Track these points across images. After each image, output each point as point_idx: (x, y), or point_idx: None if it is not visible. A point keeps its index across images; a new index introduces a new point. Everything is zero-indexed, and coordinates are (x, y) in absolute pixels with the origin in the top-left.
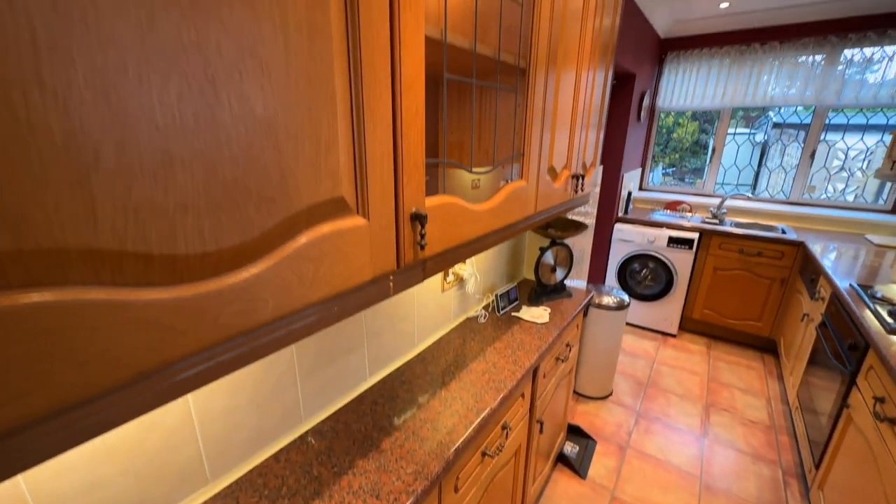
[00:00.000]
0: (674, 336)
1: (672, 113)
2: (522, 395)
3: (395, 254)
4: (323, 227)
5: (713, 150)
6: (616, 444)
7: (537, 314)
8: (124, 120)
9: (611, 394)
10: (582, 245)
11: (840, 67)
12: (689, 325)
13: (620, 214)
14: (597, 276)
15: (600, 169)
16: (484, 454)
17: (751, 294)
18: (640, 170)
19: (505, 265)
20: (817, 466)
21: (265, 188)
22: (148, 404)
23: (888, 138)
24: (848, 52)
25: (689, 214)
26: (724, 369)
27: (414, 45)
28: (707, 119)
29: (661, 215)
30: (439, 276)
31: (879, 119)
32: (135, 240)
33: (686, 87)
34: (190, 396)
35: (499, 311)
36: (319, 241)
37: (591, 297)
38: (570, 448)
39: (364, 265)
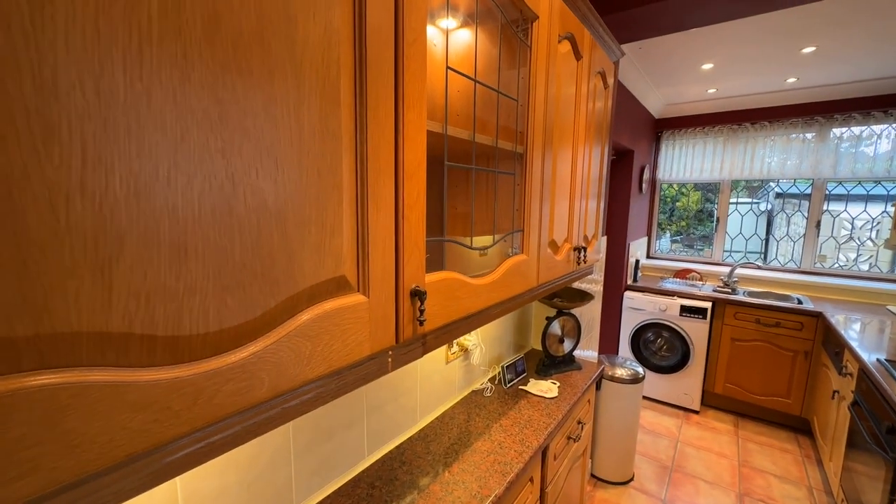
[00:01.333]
0: (696, 412)
1: (678, 187)
2: (531, 480)
3: (394, 329)
4: (324, 304)
5: (717, 219)
6: None
7: (545, 388)
8: (149, 215)
9: (632, 478)
10: (591, 315)
11: (832, 143)
12: (712, 400)
13: (629, 282)
14: (609, 346)
15: (604, 240)
16: None
17: (774, 367)
18: (646, 238)
19: (511, 335)
20: None
21: (271, 271)
22: (134, 488)
23: (892, 209)
24: (836, 131)
25: (700, 283)
26: (755, 451)
27: (416, 140)
28: (710, 189)
29: (671, 283)
30: (443, 347)
31: (880, 190)
32: (143, 322)
33: (684, 161)
34: (178, 478)
35: (505, 385)
36: (319, 319)
37: (603, 369)
38: None
39: (363, 341)
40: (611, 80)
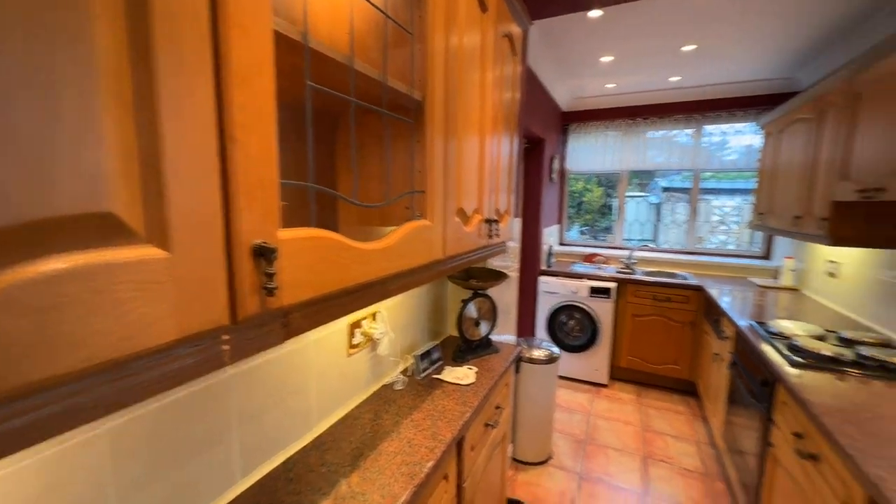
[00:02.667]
0: (605, 386)
1: (581, 179)
2: (446, 477)
3: (226, 302)
4: (69, 257)
5: (618, 208)
6: None
7: (462, 374)
8: None
9: (550, 457)
10: (508, 298)
11: (705, 139)
12: (618, 373)
13: (544, 267)
14: (526, 329)
15: (518, 222)
16: None
17: (667, 338)
18: (557, 226)
19: (426, 321)
20: None
21: None
22: None
23: (751, 198)
24: (708, 128)
25: (605, 265)
26: (654, 416)
27: (253, 29)
28: (610, 185)
29: (580, 267)
30: (343, 336)
31: (742, 184)
32: None
33: (589, 154)
34: None
35: (419, 375)
36: (56, 281)
37: (520, 351)
38: None
39: (161, 318)
40: (519, 48)
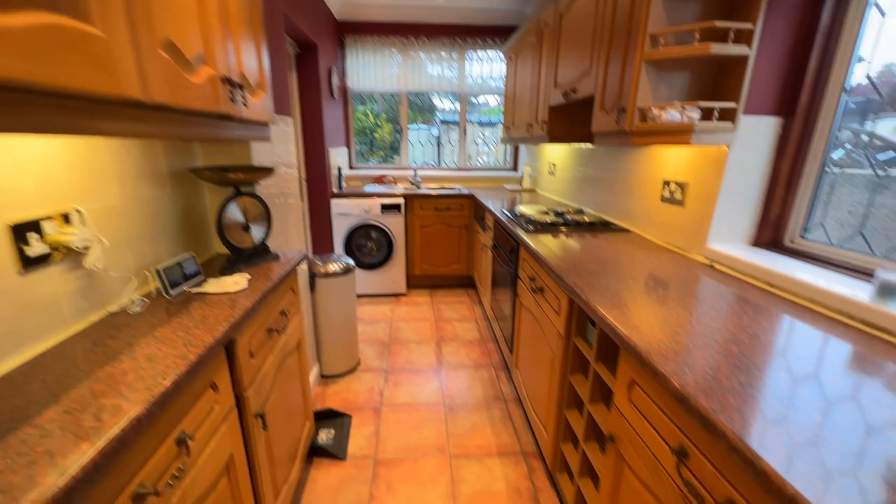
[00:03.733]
0: (404, 295)
1: (370, 112)
2: (213, 386)
3: None
4: None
5: (401, 130)
6: (371, 409)
7: (230, 283)
8: None
9: (358, 363)
10: (293, 215)
11: (468, 63)
12: (414, 282)
13: (335, 190)
14: (324, 251)
15: (286, 121)
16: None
17: (449, 242)
18: (345, 148)
19: (176, 233)
20: (511, 351)
21: None
22: None
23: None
24: (471, 53)
25: (395, 185)
26: (445, 309)
27: None
28: (398, 121)
29: (372, 188)
30: (4, 246)
31: (496, 119)
32: None
33: (370, 71)
34: None
35: (169, 293)
36: None
37: (306, 260)
38: (326, 436)
39: None
40: None
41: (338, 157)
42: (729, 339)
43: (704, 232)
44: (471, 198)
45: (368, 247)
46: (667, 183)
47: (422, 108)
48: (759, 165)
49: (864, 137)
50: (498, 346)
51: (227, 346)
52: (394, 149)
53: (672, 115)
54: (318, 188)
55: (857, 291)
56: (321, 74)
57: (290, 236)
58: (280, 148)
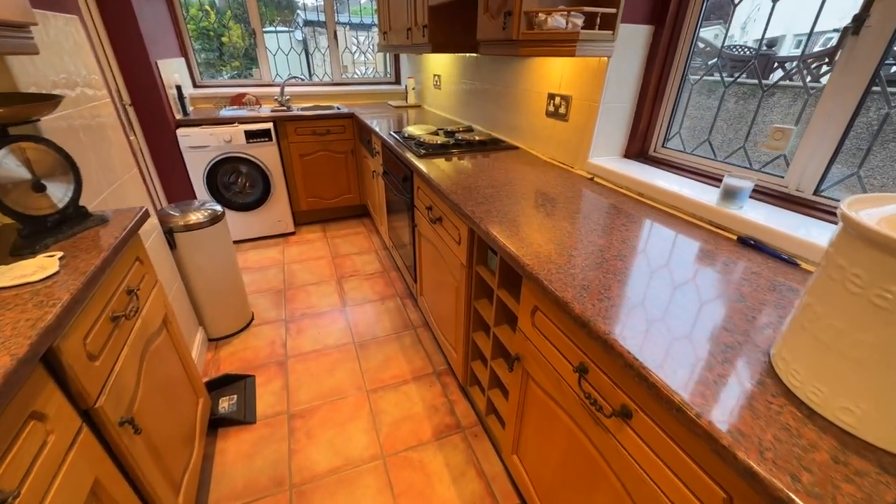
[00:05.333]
0: (293, 233)
1: (210, 9)
2: (38, 416)
3: None
4: None
5: (253, 34)
6: (275, 363)
7: (31, 269)
8: None
9: (252, 318)
10: (116, 154)
11: None
12: (302, 218)
13: (179, 117)
14: (180, 196)
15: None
16: None
17: (335, 171)
18: (182, 60)
19: None
20: (415, 280)
21: None
22: None
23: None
24: None
25: (258, 107)
26: (341, 244)
27: None
28: (249, 20)
29: (229, 111)
30: None
31: (369, 20)
32: None
33: None
34: None
35: None
36: None
37: (156, 214)
38: (227, 404)
39: None
40: None
41: (173, 71)
42: (615, 256)
43: (586, 147)
44: (352, 117)
45: (240, 183)
46: (552, 97)
47: (278, 2)
48: (633, 77)
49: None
50: (401, 275)
51: (48, 358)
52: (251, 58)
53: (558, 21)
54: (154, 116)
55: (706, 195)
56: None
57: (123, 187)
58: (65, 62)
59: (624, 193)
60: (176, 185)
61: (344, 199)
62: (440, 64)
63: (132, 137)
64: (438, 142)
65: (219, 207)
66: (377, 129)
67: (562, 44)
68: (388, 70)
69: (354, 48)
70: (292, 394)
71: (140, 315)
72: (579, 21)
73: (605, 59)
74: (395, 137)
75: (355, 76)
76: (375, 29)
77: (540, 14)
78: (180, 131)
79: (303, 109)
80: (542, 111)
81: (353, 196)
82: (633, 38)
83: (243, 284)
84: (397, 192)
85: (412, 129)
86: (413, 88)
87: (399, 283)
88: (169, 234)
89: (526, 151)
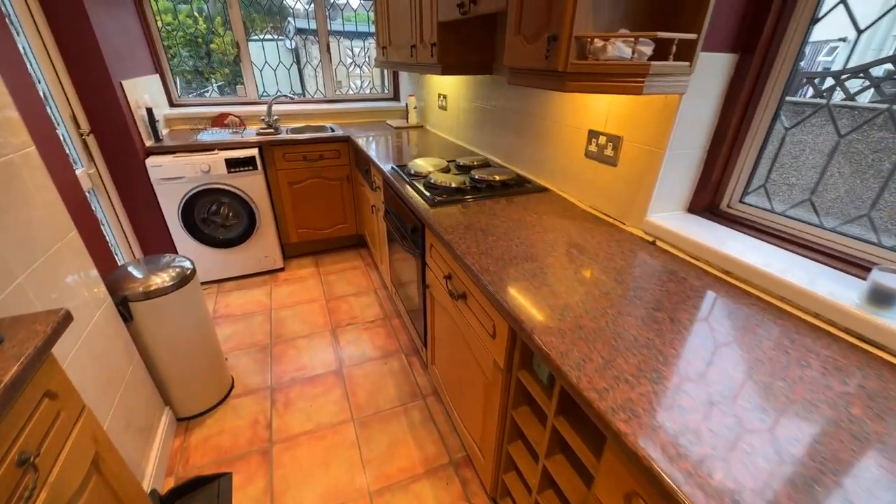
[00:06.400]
0: (282, 269)
1: (199, 15)
2: None
3: None
4: None
5: (237, 45)
6: (258, 451)
7: None
8: None
9: (231, 387)
10: (43, 221)
11: None
12: (292, 251)
13: (150, 143)
14: (155, 239)
15: None
16: None
17: (329, 199)
18: (157, 77)
19: None
20: (425, 345)
21: None
22: None
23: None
24: None
25: (243, 128)
26: (336, 282)
27: None
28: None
29: (210, 135)
30: None
31: (364, 28)
32: None
33: None
34: None
35: None
36: None
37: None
38: None
39: None
40: None
41: (143, 92)
42: (751, 408)
43: (644, 201)
44: (348, 141)
45: (222, 213)
46: (594, 135)
47: (268, 8)
48: (707, 117)
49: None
50: (403, 323)
51: None
52: (240, 66)
53: (620, 49)
54: (119, 144)
55: (842, 291)
56: None
57: (53, 261)
58: None
59: (701, 268)
60: (146, 221)
61: (338, 229)
62: (447, 83)
63: (90, 171)
64: (453, 184)
65: (188, 264)
66: (377, 159)
67: (625, 79)
68: (386, 85)
69: (349, 60)
70: (278, 496)
71: (47, 485)
72: (648, 50)
73: (677, 96)
74: (398, 173)
75: (350, 90)
76: (371, 39)
77: (596, 40)
78: (150, 160)
79: (293, 131)
80: (579, 150)
81: (349, 225)
82: (711, 70)
83: (220, 351)
84: (402, 240)
85: (420, 164)
86: (415, 107)
87: (403, 334)
88: (123, 304)
89: (558, 195)
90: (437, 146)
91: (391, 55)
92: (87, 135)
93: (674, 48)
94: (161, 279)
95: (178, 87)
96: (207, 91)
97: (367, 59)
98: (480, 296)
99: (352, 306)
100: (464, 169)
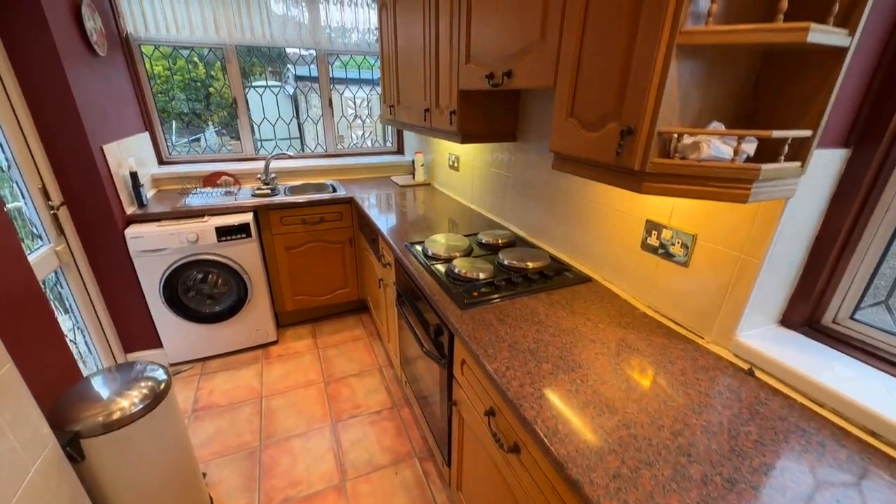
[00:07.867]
0: (276, 342)
1: (199, 62)
2: None
3: None
4: None
5: (234, 101)
6: None
7: None
8: None
9: None
10: None
11: (322, 13)
12: (286, 319)
13: (132, 210)
14: (134, 318)
15: None
16: None
17: (329, 264)
18: (147, 135)
19: None
20: (448, 463)
21: None
22: None
23: (378, 89)
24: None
25: (237, 187)
26: (335, 358)
27: None
28: (242, 72)
29: (200, 197)
30: None
31: (366, 74)
32: None
33: (163, 10)
34: None
35: None
36: None
37: (69, 426)
38: None
39: None
40: None
41: (128, 154)
42: None
43: (732, 317)
44: (350, 202)
45: (210, 282)
46: (654, 227)
47: (269, 55)
48: (812, 219)
49: None
50: (413, 414)
51: None
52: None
53: (718, 149)
54: (95, 215)
55: None
56: (56, 14)
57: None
58: None
59: (829, 419)
60: (123, 299)
61: (338, 294)
62: (461, 146)
63: (59, 248)
64: (482, 275)
65: (162, 374)
66: (388, 232)
67: (726, 184)
68: (389, 138)
69: (350, 111)
70: None
71: None
72: (751, 149)
73: (782, 201)
74: (414, 255)
75: (352, 142)
76: (374, 86)
77: (685, 136)
78: (130, 230)
79: (292, 189)
80: (632, 240)
81: (350, 290)
82: (822, 168)
83: (197, 471)
84: (420, 340)
85: (439, 242)
86: (422, 164)
87: (414, 430)
88: (73, 443)
89: (606, 289)
90: (449, 211)
91: (399, 115)
92: (59, 207)
93: (786, 148)
94: (128, 400)
95: (174, 130)
96: (204, 133)
97: (369, 111)
98: (535, 448)
99: (354, 391)
100: (488, 249)
